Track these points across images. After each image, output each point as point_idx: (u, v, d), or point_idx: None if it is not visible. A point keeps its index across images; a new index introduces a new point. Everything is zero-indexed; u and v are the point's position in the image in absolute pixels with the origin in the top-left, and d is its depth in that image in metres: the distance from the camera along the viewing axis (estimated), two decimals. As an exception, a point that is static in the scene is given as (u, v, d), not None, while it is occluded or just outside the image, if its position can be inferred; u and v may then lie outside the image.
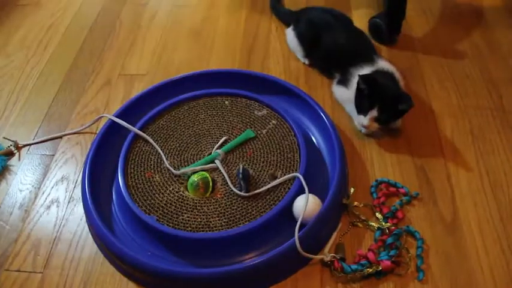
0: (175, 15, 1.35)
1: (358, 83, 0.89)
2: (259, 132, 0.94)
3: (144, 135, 0.94)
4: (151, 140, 0.93)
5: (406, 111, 0.89)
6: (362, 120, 0.91)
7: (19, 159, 1.00)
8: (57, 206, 0.90)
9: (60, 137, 1.03)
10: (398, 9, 1.11)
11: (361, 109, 0.90)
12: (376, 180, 0.88)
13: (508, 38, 1.17)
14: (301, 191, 0.81)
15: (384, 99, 0.88)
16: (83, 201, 0.87)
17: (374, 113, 0.89)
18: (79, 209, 0.89)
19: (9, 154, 1.01)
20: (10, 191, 0.93)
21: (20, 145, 1.02)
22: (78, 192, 0.92)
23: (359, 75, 0.88)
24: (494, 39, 1.16)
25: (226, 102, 1.00)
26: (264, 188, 0.83)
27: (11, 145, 1.02)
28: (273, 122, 0.95)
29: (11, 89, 1.17)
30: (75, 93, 1.13)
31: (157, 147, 0.92)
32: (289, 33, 1.14)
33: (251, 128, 0.94)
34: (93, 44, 1.27)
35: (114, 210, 0.86)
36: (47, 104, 1.11)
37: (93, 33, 1.31)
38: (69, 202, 0.91)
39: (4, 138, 1.03)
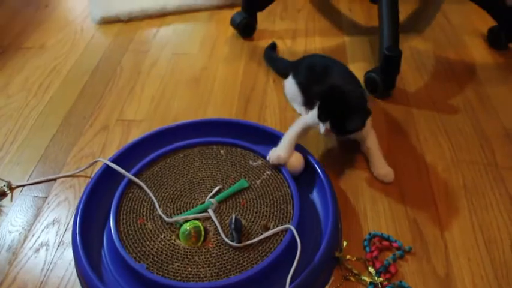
0: (175, 63, 1.41)
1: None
2: (253, 182, 0.96)
3: (138, 181, 0.96)
4: (145, 187, 0.95)
5: (354, 129, 0.93)
6: (320, 127, 0.95)
7: (11, 200, 1.02)
8: (46, 250, 0.91)
9: (55, 179, 1.06)
10: (393, 64, 1.17)
11: (318, 118, 0.95)
12: (369, 234, 0.90)
13: (499, 94, 1.22)
14: (293, 243, 0.83)
15: (334, 115, 0.92)
16: (72, 245, 0.88)
17: (327, 125, 0.93)
18: (68, 253, 0.90)
19: (2, 194, 1.03)
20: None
21: (13, 186, 1.04)
22: (68, 236, 0.93)
23: (318, 93, 0.95)
24: (486, 95, 1.22)
25: (222, 151, 1.03)
26: (256, 239, 0.84)
27: (4, 185, 1.04)
28: (267, 172, 0.97)
29: (9, 129, 1.20)
30: (73, 136, 1.17)
31: (150, 194, 0.94)
32: (289, 81, 1.18)
33: (245, 178, 0.97)
34: (93, 89, 1.32)
35: (104, 256, 0.87)
36: (44, 146, 1.15)
37: (94, 77, 1.37)
38: (58, 246, 0.92)
39: None
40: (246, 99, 1.25)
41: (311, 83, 1.10)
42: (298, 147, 1.00)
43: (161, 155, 1.02)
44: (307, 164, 0.99)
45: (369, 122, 0.98)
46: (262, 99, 1.24)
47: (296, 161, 0.97)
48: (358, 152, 1.06)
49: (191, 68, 1.39)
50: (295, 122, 1.00)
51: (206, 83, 1.32)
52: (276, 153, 0.96)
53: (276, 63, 1.32)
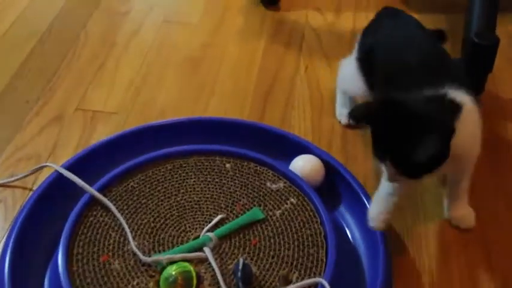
0: (166, 34, 1.43)
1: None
2: (270, 213, 0.96)
3: (105, 199, 0.96)
4: (113, 209, 0.95)
5: (425, 163, 0.83)
6: (383, 172, 0.91)
7: None
8: (-43, 294, 0.92)
9: (-24, 189, 1.06)
10: (484, 58, 1.18)
11: (373, 154, 0.90)
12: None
13: None
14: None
15: (393, 144, 0.85)
16: (-3, 290, 0.88)
17: (389, 165, 0.87)
18: (-9, 302, 0.90)
19: None
20: None
21: None
22: (-7, 274, 0.93)
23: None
24: None
25: (228, 165, 1.04)
26: (272, 297, 0.84)
27: None
28: (292, 200, 0.98)
29: None
30: (7, 129, 1.17)
31: (121, 219, 0.94)
32: (348, 64, 1.15)
33: (259, 206, 0.97)
34: (42, 61, 1.33)
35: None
36: None
37: (45, 45, 1.38)
38: (-23, 289, 0.92)
39: None
40: (265, 93, 1.26)
41: (377, 62, 1.04)
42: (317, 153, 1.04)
43: (139, 164, 1.02)
44: (351, 193, 0.99)
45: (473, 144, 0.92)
46: (289, 95, 1.26)
47: (314, 171, 1.00)
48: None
49: (188, 44, 1.40)
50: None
51: (209, 67, 1.33)
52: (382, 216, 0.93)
53: None
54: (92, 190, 0.97)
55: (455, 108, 0.87)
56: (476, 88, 1.21)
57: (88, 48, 1.38)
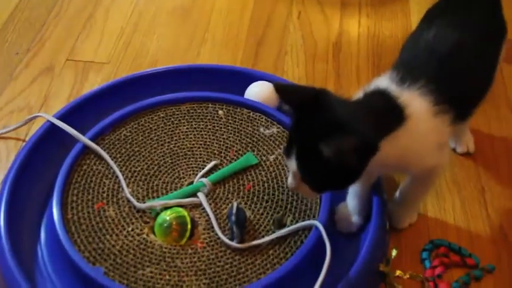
0: (156, -19, 1.41)
1: None
2: (264, 158, 0.96)
3: (98, 148, 0.96)
4: (106, 157, 0.95)
5: (332, 162, 0.71)
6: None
7: None
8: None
9: (-32, 141, 1.06)
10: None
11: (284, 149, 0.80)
12: (431, 242, 0.90)
13: None
14: (319, 248, 0.83)
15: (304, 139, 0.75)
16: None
17: (293, 166, 0.77)
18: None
19: None
20: None
21: None
22: (-12, 224, 0.94)
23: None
24: None
25: (220, 111, 1.03)
26: (267, 238, 0.85)
27: None
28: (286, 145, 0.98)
29: None
30: (-3, 80, 1.16)
31: (115, 167, 0.94)
32: None
33: (253, 151, 0.97)
34: (30, 11, 1.32)
35: (41, 254, 0.87)
36: None
37: (32, -4, 1.36)
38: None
39: None
40: (257, 39, 1.25)
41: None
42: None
43: (132, 112, 1.02)
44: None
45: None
46: (281, 41, 1.25)
47: (270, 96, 1.03)
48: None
49: None
50: None
51: (200, 14, 1.32)
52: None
53: None
54: (84, 139, 0.96)
55: (396, 116, 0.76)
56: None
57: (74, 1, 1.36)
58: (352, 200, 0.89)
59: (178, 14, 1.32)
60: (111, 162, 0.94)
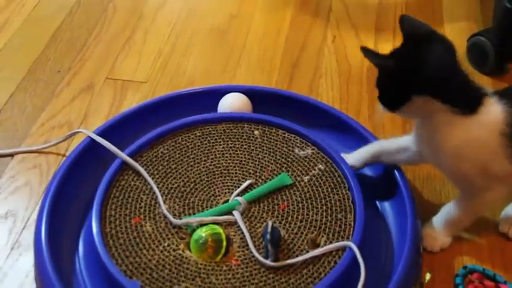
0: (193, 6, 1.44)
1: None
2: (298, 178, 0.97)
3: (136, 164, 0.97)
4: (144, 173, 0.96)
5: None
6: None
7: None
8: (-6, 253, 0.94)
9: (11, 155, 1.08)
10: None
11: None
12: (465, 268, 0.89)
13: None
14: (352, 268, 0.83)
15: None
16: (34, 250, 0.89)
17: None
18: (26, 261, 0.92)
19: None
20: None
21: None
22: (28, 235, 0.95)
23: None
24: None
25: (256, 132, 1.04)
26: (300, 258, 0.85)
27: None
28: (320, 166, 0.98)
29: None
30: (40, 98, 1.20)
31: (152, 183, 0.95)
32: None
33: (288, 172, 0.98)
34: (72, 33, 1.35)
35: (79, 267, 0.88)
36: None
37: (74, 17, 1.40)
38: (12, 249, 0.94)
39: None
40: (292, 62, 1.26)
41: None
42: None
43: (170, 131, 1.03)
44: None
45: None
46: (317, 64, 1.26)
47: (243, 107, 1.06)
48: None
49: (215, 14, 1.41)
50: None
51: (236, 36, 1.34)
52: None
53: None
54: (123, 155, 0.98)
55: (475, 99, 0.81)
56: (508, 55, 1.19)
57: (116, 20, 1.39)
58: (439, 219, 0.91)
59: (215, 36, 1.34)
60: (149, 179, 0.96)
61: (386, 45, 1.32)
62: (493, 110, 0.80)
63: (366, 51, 0.81)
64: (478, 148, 0.81)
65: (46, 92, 1.21)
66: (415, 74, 0.79)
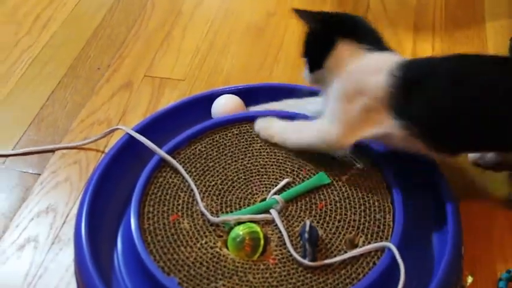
0: (230, 3, 1.44)
1: None
2: (336, 178, 0.96)
3: (174, 161, 0.98)
4: (182, 170, 0.97)
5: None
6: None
7: None
8: (35, 247, 0.95)
9: (52, 151, 1.10)
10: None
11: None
12: (509, 272, 0.88)
13: None
14: (392, 269, 0.82)
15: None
16: (75, 245, 0.90)
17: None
18: (66, 255, 0.94)
19: None
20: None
21: None
22: (68, 230, 0.97)
23: None
24: None
25: (294, 130, 1.04)
26: (339, 258, 0.84)
27: None
28: (358, 166, 0.97)
29: None
30: (81, 94, 1.21)
31: (190, 181, 0.95)
32: None
33: (326, 171, 0.97)
34: (112, 31, 1.37)
35: (117, 263, 0.89)
36: (39, 104, 1.20)
37: (114, 15, 1.42)
38: (53, 243, 0.96)
39: None
40: None
41: None
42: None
43: (207, 128, 1.03)
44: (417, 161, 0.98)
45: None
46: None
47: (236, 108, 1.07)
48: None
49: (252, 12, 1.41)
50: None
51: (273, 34, 1.34)
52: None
53: None
54: (161, 152, 0.98)
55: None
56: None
57: (154, 17, 1.41)
58: None
59: (253, 33, 1.34)
60: (187, 176, 0.96)
61: (426, 45, 1.31)
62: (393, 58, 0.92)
63: (298, 12, 0.97)
64: (366, 76, 0.91)
65: (86, 88, 1.22)
66: (342, 22, 0.97)
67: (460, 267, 0.87)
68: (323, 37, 0.96)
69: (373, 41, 0.95)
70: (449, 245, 0.85)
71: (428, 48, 1.30)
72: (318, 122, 0.97)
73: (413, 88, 0.88)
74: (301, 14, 0.97)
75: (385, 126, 0.90)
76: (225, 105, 1.09)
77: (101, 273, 0.84)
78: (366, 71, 0.91)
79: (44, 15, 1.42)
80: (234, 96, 1.10)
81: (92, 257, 0.86)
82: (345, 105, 0.92)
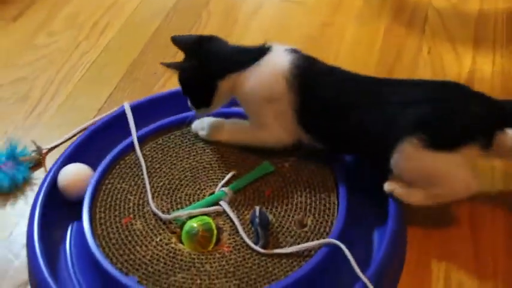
0: (285, 13, 1.46)
1: None
2: (279, 165, 0.99)
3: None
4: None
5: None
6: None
7: (45, 170, 1.07)
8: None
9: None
10: None
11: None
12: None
13: None
14: (341, 241, 0.85)
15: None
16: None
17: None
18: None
19: (35, 163, 1.09)
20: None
21: (44, 150, 1.10)
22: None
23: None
24: None
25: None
26: (290, 249, 0.86)
27: (34, 151, 1.10)
28: (299, 152, 1.01)
29: (49, 79, 1.27)
30: (138, 97, 1.18)
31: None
32: None
33: (269, 159, 1.00)
34: (168, 37, 1.32)
35: (72, 266, 0.91)
36: (96, 106, 1.21)
37: (170, 22, 1.44)
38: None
39: (32, 141, 1.11)
40: (386, 73, 1.24)
41: None
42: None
43: (150, 132, 1.07)
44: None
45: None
46: (411, 75, 1.23)
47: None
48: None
49: (307, 23, 1.42)
50: None
51: (329, 46, 1.34)
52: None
53: None
54: (106, 159, 1.01)
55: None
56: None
57: (210, 26, 1.43)
58: None
59: (307, 43, 1.33)
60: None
61: (486, 59, 1.29)
62: (279, 59, 0.98)
63: (168, 64, 0.99)
64: (266, 86, 0.96)
65: (143, 92, 1.23)
66: (216, 61, 0.98)
67: (404, 236, 0.93)
68: (201, 83, 0.98)
69: (245, 57, 0.99)
70: (391, 223, 0.88)
71: (489, 62, 1.28)
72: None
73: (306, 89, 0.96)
74: (170, 64, 0.99)
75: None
76: (74, 174, 1.00)
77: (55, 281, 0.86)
78: (257, 88, 0.96)
79: (102, 21, 1.45)
80: (81, 164, 1.02)
81: (46, 265, 0.88)
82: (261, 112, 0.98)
